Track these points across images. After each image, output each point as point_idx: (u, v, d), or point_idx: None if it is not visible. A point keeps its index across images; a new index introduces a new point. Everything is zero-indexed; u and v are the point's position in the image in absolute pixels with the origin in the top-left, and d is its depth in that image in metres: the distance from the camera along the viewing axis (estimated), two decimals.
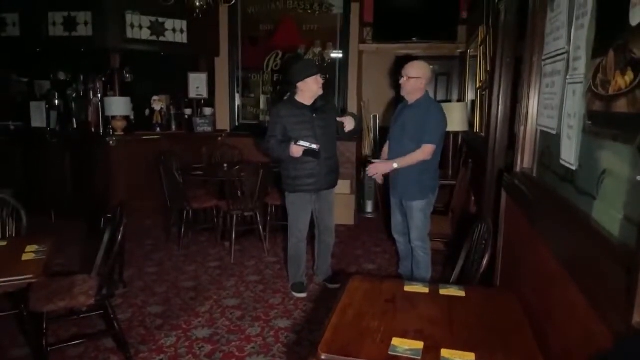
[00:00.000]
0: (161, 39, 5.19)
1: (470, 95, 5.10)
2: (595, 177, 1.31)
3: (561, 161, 1.63)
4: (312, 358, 1.47)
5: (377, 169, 3.21)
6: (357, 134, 3.93)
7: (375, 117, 6.09)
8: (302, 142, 3.10)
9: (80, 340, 2.70)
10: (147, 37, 5.10)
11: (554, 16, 1.88)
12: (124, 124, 5.09)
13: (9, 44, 5.21)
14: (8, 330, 2.86)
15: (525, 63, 2.25)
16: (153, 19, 5.11)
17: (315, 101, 3.29)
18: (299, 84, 3.24)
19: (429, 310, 1.72)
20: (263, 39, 5.70)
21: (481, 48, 4.13)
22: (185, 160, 4.94)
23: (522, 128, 2.25)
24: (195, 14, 4.35)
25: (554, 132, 1.78)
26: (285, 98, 3.60)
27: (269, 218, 4.63)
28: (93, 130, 5.25)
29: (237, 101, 5.91)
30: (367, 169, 3.25)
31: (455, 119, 4.51)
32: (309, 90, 3.25)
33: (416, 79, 3.09)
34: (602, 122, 1.30)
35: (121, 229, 2.40)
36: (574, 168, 1.50)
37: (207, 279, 3.80)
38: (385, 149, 3.41)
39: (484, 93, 3.96)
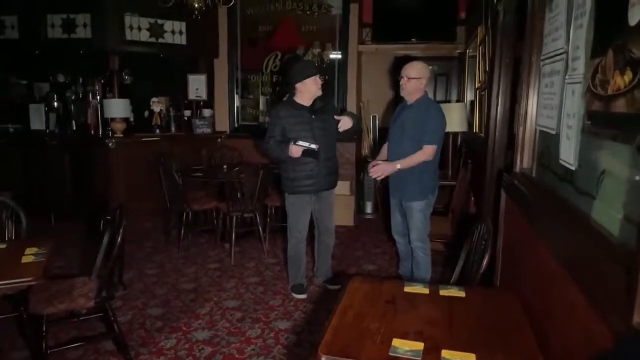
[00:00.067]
0: (160, 40, 5.19)
1: (469, 96, 5.10)
2: (595, 177, 1.31)
3: (560, 161, 1.63)
4: (312, 359, 1.47)
5: (382, 170, 3.12)
6: (356, 134, 3.90)
7: (374, 117, 6.10)
8: (301, 142, 3.10)
9: (80, 343, 2.69)
10: (146, 38, 5.10)
11: (552, 16, 1.88)
12: (123, 126, 5.09)
13: (7, 46, 5.21)
14: (8, 333, 2.86)
15: (524, 63, 2.25)
16: (152, 20, 5.10)
17: (315, 102, 3.29)
18: (298, 85, 3.24)
19: (429, 311, 1.72)
20: (262, 40, 5.70)
21: (480, 48, 4.14)
22: (185, 162, 4.93)
23: (521, 128, 2.25)
24: (194, 16, 4.33)
25: (553, 132, 1.78)
26: (285, 99, 3.60)
27: (268, 219, 4.63)
28: (92, 132, 5.27)
29: (237, 102, 5.91)
30: (369, 170, 3.17)
31: (455, 119, 4.50)
32: (307, 91, 3.24)
33: (416, 80, 3.10)
34: (601, 122, 1.30)
35: (121, 231, 2.40)
36: (573, 168, 1.50)
37: (207, 281, 3.79)
38: (384, 148, 3.40)
39: (483, 93, 3.96)
